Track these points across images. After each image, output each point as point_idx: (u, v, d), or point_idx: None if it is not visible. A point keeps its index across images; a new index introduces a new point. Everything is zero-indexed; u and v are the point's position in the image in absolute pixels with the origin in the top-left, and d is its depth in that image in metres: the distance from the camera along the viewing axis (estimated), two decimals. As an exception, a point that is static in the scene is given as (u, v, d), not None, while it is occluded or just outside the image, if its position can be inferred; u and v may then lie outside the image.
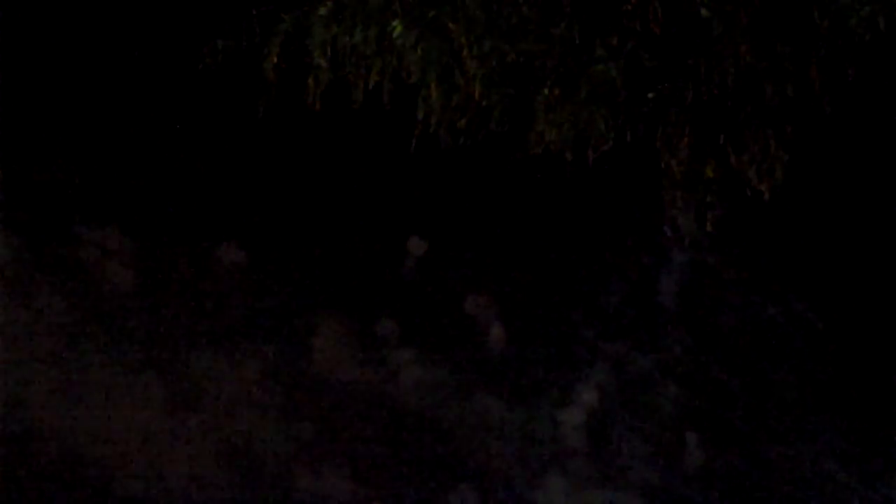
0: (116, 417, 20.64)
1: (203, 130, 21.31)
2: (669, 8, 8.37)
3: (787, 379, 21.93)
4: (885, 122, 9.44)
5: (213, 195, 21.71)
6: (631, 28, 8.44)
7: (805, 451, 21.21)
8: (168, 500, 20.86)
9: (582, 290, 22.60)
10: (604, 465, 22.40)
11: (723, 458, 22.02)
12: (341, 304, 22.82)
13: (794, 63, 8.31)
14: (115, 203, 21.35)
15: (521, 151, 8.70)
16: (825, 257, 18.88)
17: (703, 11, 8.32)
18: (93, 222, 21.35)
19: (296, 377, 22.45)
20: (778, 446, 21.81)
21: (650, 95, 8.55)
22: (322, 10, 8.09)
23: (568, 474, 22.22)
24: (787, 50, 8.28)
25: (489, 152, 8.85)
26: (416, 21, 8.14)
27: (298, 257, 22.63)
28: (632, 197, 19.46)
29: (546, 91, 8.53)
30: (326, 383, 22.58)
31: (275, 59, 8.21)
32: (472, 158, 9.06)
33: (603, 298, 22.70)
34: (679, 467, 22.10)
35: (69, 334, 20.66)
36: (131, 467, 20.57)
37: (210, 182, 21.76)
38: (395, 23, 8.16)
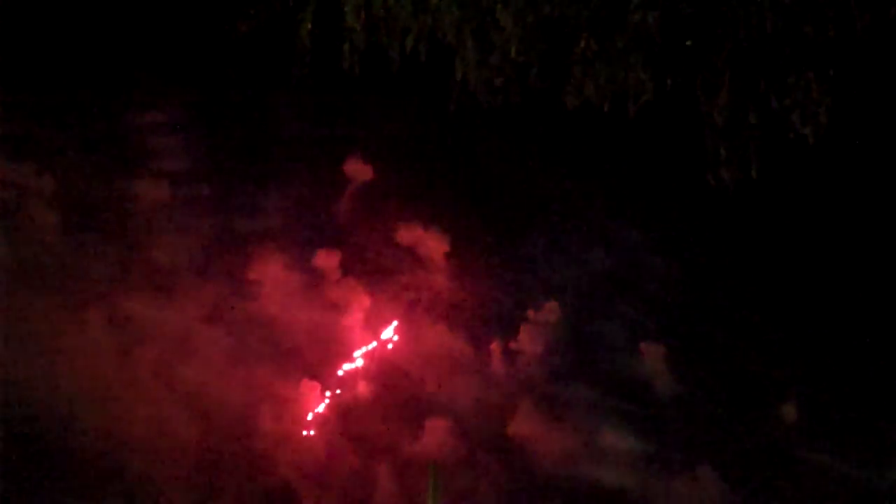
0: (67, 364, 20.08)
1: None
2: (705, -47, 8.18)
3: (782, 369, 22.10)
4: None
5: (130, 125, 21.00)
6: (666, -25, 8.23)
7: (799, 440, 21.53)
8: (128, 447, 20.37)
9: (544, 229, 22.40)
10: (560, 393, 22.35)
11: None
12: (277, 235, 22.32)
13: (834, 3, 8.16)
14: (31, 139, 20.59)
15: (559, 106, 8.49)
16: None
17: (740, -45, 8.13)
18: (6, 160, 20.56)
19: (242, 318, 21.98)
20: (772, 436, 22.06)
21: (688, 43, 8.36)
22: (355, -25, 7.75)
23: (533, 400, 22.17)
24: (826, -10, 8.14)
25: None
26: (451, -19, 7.84)
27: (229, 189, 22.04)
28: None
29: (582, 44, 8.30)
30: (274, 323, 22.17)
31: (309, 26, 7.85)
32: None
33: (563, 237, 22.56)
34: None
35: (5, 280, 19.96)
36: (89, 415, 20.02)
37: (129, 110, 21.03)
38: (429, -17, 7.86)
